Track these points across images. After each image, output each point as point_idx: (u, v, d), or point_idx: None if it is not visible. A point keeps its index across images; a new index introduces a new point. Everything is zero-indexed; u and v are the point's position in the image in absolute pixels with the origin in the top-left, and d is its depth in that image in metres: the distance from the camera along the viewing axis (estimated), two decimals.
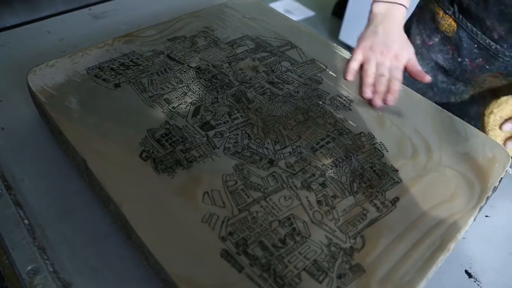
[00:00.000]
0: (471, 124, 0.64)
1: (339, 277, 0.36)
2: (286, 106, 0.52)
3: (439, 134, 0.51)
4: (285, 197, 0.42)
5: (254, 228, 0.39)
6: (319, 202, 0.42)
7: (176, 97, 0.51)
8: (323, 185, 0.43)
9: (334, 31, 2.40)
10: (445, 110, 0.54)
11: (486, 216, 0.51)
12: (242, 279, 0.35)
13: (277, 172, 0.44)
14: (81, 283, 0.41)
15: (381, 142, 0.49)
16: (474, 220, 0.44)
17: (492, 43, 0.64)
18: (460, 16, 0.68)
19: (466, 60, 0.69)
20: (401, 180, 0.45)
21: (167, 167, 0.43)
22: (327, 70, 0.59)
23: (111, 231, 0.45)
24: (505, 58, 0.64)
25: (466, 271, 0.46)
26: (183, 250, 0.37)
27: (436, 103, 0.57)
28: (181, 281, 0.34)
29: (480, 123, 0.64)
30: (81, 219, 0.46)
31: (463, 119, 0.71)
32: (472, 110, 0.73)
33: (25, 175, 0.50)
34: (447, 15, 0.70)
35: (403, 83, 0.60)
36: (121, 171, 0.42)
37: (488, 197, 0.45)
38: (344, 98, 0.54)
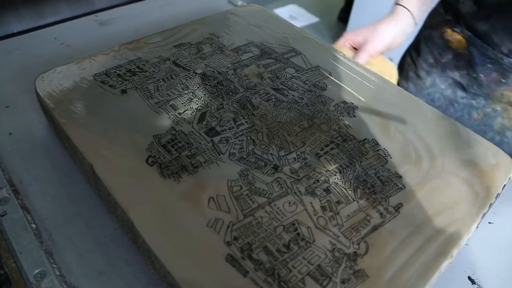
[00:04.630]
0: (496, 138, 0.63)
1: (343, 282, 0.37)
2: (291, 113, 0.52)
3: (443, 141, 0.51)
4: (289, 203, 0.42)
5: (259, 233, 0.39)
6: (323, 208, 0.42)
7: (182, 103, 0.52)
8: (327, 191, 0.44)
9: (338, 37, 2.41)
10: (448, 117, 0.55)
11: (490, 222, 0.52)
12: (246, 283, 0.36)
13: (281, 177, 0.45)
14: (88, 286, 0.41)
15: (384, 149, 0.49)
16: (477, 227, 0.45)
17: (504, 57, 0.64)
18: (469, 33, 0.68)
19: (481, 75, 0.68)
20: (404, 187, 0.45)
21: (173, 172, 0.44)
22: (331, 76, 0.59)
23: (117, 235, 0.46)
24: None
25: (469, 278, 0.46)
26: (188, 255, 0.37)
27: (457, 119, 0.56)
28: (187, 285, 0.35)
29: (507, 137, 0.63)
30: (88, 224, 0.47)
31: (488, 134, 0.70)
32: (496, 124, 0.72)
33: (33, 180, 0.50)
34: (455, 33, 0.70)
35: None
36: (128, 176, 0.43)
37: (491, 204, 0.45)
38: (348, 104, 0.55)
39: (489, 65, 0.67)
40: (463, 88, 0.73)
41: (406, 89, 0.81)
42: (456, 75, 0.73)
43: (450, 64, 0.74)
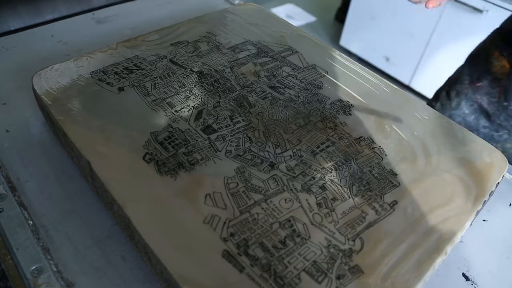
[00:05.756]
0: None
1: (338, 278, 0.37)
2: (287, 111, 0.53)
3: (438, 139, 0.51)
4: (285, 200, 0.43)
5: (255, 229, 0.40)
6: (319, 205, 0.42)
7: (179, 101, 0.52)
8: (322, 188, 0.44)
9: (335, 37, 2.42)
10: (443, 116, 0.55)
11: (484, 220, 0.52)
12: (243, 279, 0.36)
13: (277, 175, 0.45)
14: (84, 282, 0.42)
15: (380, 146, 0.50)
16: (471, 224, 0.45)
17: None
18: None
19: None
20: (399, 184, 0.46)
21: (170, 169, 0.44)
22: (328, 75, 0.60)
23: (113, 232, 0.46)
24: None
25: (464, 274, 0.47)
26: (185, 251, 0.37)
27: None
28: (183, 281, 0.35)
29: None
30: (85, 220, 0.47)
31: None
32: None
33: (30, 177, 0.50)
34: (502, 56, 0.69)
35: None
36: (125, 173, 0.43)
37: (485, 201, 0.46)
38: (344, 103, 0.55)
39: None
40: (488, 117, 0.71)
41: (432, 107, 0.78)
42: (484, 101, 0.71)
43: (483, 89, 0.72)
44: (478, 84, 0.73)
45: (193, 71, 0.57)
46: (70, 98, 0.51)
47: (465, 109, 0.75)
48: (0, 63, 0.67)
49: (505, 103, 0.68)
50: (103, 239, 0.45)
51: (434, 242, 0.41)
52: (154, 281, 0.42)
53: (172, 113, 0.51)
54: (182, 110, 0.51)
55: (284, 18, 0.74)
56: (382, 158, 0.48)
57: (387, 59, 2.07)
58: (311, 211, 0.42)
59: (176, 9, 0.85)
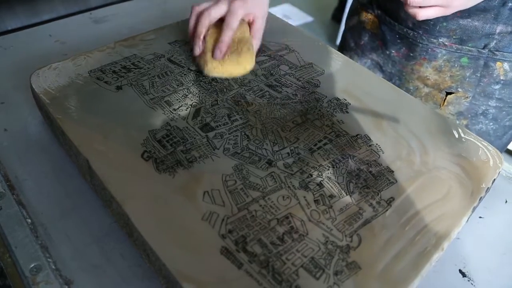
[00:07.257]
0: None
1: (336, 273, 0.37)
2: (285, 109, 0.53)
3: (434, 136, 0.52)
4: (283, 197, 0.43)
5: (253, 226, 0.40)
6: (316, 202, 0.43)
7: (177, 99, 0.53)
8: (320, 185, 0.44)
9: (332, 36, 2.42)
10: (440, 113, 0.56)
11: (480, 217, 0.52)
12: (241, 275, 0.36)
13: (275, 172, 0.45)
14: (83, 280, 0.42)
15: (377, 144, 0.50)
16: (468, 220, 0.45)
17: (409, 31, 0.69)
18: (379, 12, 0.74)
19: (393, 51, 0.74)
20: (396, 181, 0.46)
21: (168, 167, 0.44)
22: (325, 74, 0.60)
23: (112, 230, 0.46)
24: (424, 43, 0.69)
25: (460, 271, 0.47)
26: (183, 247, 0.38)
27: None
28: (182, 277, 0.35)
29: None
30: (83, 218, 0.47)
31: None
32: None
33: (28, 175, 0.51)
34: (369, 14, 0.76)
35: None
36: (123, 171, 0.43)
37: (481, 197, 0.46)
38: (341, 101, 0.55)
39: (398, 41, 0.72)
40: (381, 69, 0.78)
41: None
42: (373, 55, 0.78)
43: (367, 46, 0.79)
44: (362, 43, 0.80)
45: (191, 70, 0.58)
46: (68, 96, 0.51)
47: None
48: None
49: (387, 52, 0.75)
50: (102, 237, 0.45)
51: (431, 238, 0.41)
52: (153, 278, 0.42)
53: (170, 111, 0.51)
54: (180, 108, 0.51)
55: (281, 18, 0.74)
56: (379, 156, 0.49)
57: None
58: (308, 208, 0.42)
59: (173, 9, 0.85)
